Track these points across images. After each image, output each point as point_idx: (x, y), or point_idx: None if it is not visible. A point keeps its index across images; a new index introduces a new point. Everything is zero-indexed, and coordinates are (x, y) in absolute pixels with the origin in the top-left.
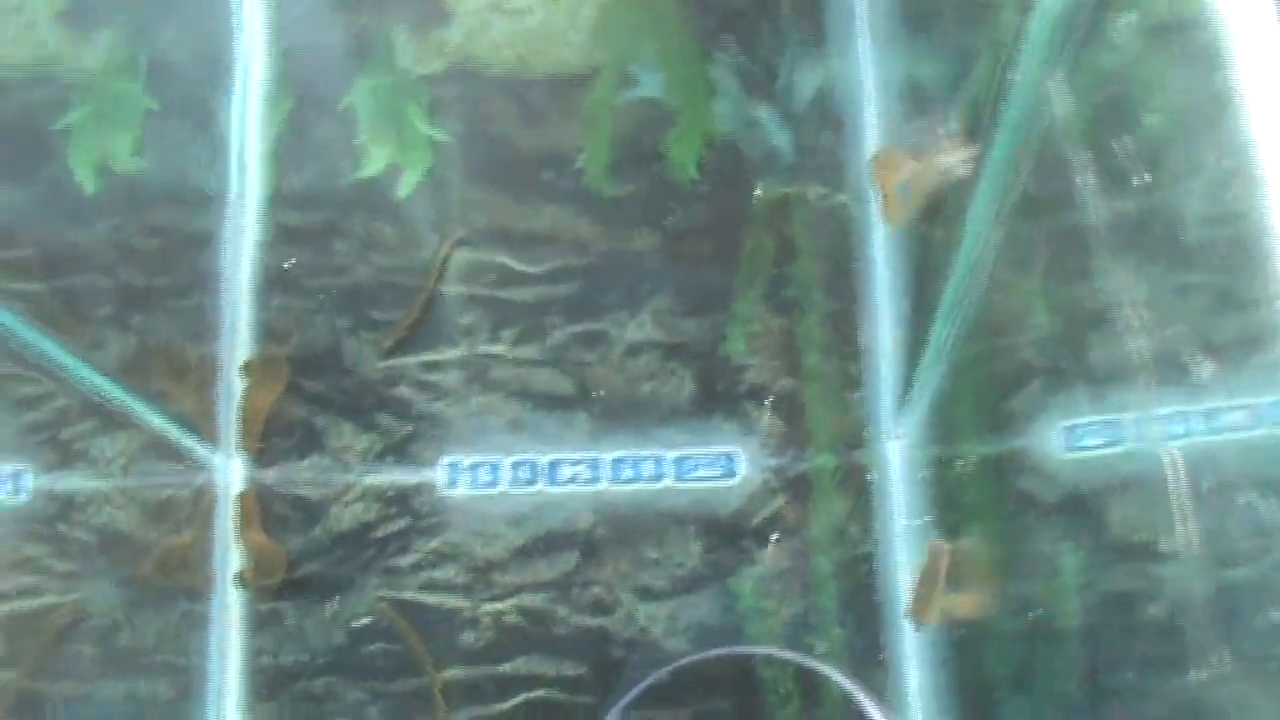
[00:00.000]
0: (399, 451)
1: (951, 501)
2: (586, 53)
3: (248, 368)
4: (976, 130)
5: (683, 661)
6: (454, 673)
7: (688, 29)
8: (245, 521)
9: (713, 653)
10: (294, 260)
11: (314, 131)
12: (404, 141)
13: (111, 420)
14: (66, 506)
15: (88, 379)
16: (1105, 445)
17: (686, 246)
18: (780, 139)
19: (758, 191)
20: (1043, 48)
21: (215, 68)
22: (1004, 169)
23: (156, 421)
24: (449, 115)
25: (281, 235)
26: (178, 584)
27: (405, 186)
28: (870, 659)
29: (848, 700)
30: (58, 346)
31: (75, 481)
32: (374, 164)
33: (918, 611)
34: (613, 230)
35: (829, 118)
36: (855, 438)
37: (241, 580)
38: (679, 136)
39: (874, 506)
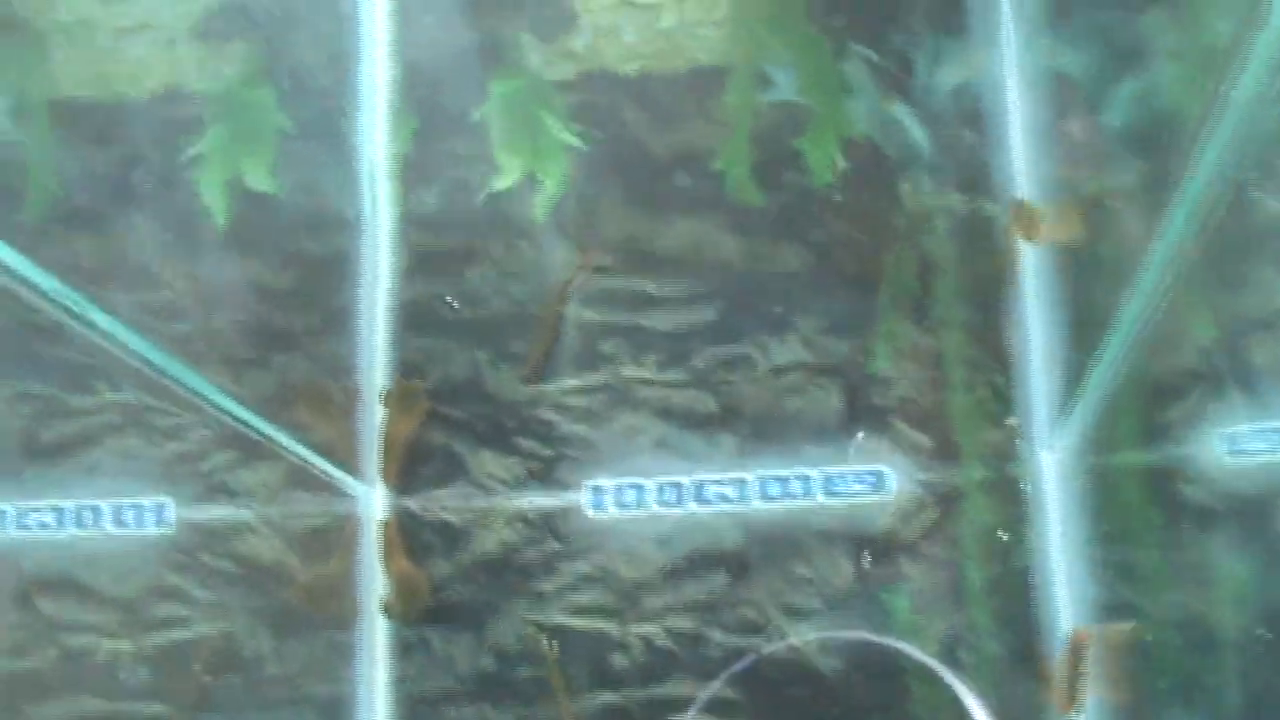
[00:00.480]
0: (542, 476)
1: (1110, 511)
2: (720, 51)
3: (387, 397)
4: (1162, 140)
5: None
6: (605, 697)
7: (819, 23)
8: (388, 549)
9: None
10: (451, 299)
11: (444, 146)
12: (539, 149)
13: (253, 452)
14: (210, 536)
15: (232, 413)
16: (1269, 451)
17: (829, 263)
18: (919, 137)
19: (899, 200)
20: (1270, 67)
21: (344, 84)
22: (1211, 186)
23: (300, 452)
24: (581, 121)
25: (416, 261)
26: (325, 613)
27: (542, 203)
28: (1028, 672)
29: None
30: (203, 381)
31: (218, 512)
32: (508, 175)
33: (1062, 702)
34: (752, 244)
35: (970, 115)
36: (1006, 450)
37: (387, 608)
38: (814, 138)
39: (1028, 518)
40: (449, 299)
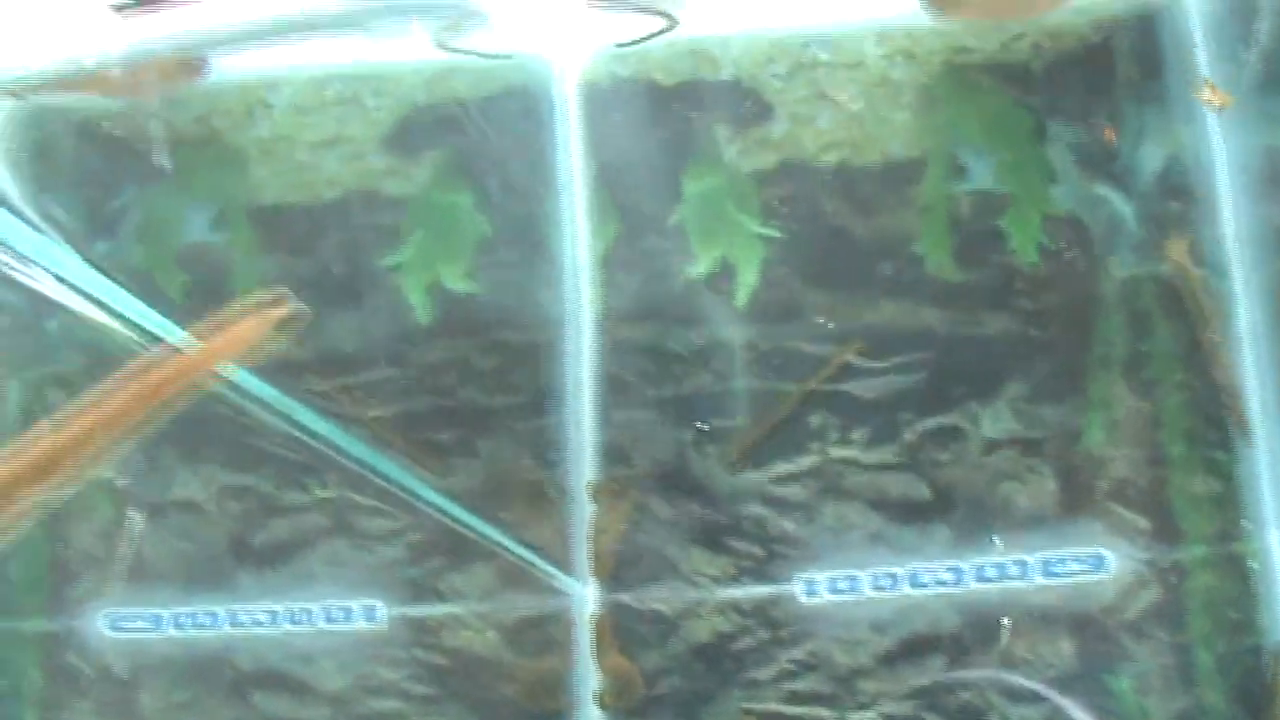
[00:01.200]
0: (754, 573)
1: None
2: (913, 140)
3: (595, 492)
4: None
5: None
6: None
7: (1016, 109)
8: (601, 644)
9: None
10: (701, 424)
11: (643, 240)
12: (734, 241)
13: (463, 555)
14: (422, 631)
15: (441, 506)
16: None
17: (1036, 329)
18: (1125, 212)
19: (1107, 271)
20: None
21: (541, 186)
22: None
23: (510, 547)
24: (778, 211)
25: (618, 349)
26: (541, 708)
27: (741, 288)
28: None
29: None
30: (412, 476)
31: (429, 610)
32: (705, 264)
33: None
34: (957, 317)
35: (1178, 190)
36: (1231, 526)
37: (601, 701)
38: (1016, 220)
39: (1258, 596)
40: (699, 424)
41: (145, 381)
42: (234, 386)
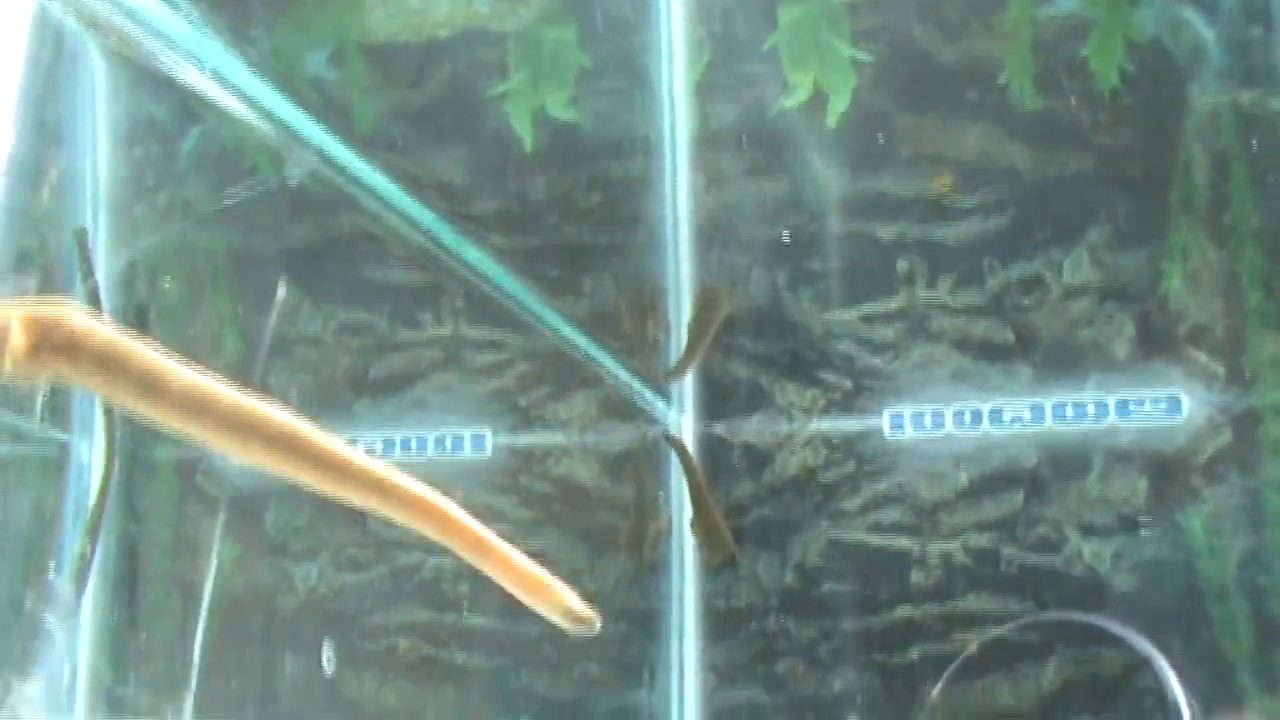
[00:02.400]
0: (843, 406)
1: None
2: None
3: (696, 297)
4: None
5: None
6: (903, 611)
7: None
8: (690, 471)
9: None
10: (786, 232)
11: (738, 70)
12: (827, 67)
13: (566, 386)
14: (528, 460)
15: (559, 328)
16: None
17: (1117, 169)
18: (1208, 37)
19: (1188, 99)
20: None
21: (639, 16)
22: None
23: (617, 374)
24: (870, 38)
25: (713, 180)
26: (640, 533)
27: (832, 114)
28: None
29: None
30: (532, 296)
31: (535, 439)
32: (799, 92)
33: None
34: (1041, 153)
35: (1258, 13)
36: None
37: (694, 528)
38: (1098, 45)
39: None
40: (783, 233)
41: None
42: (374, 193)
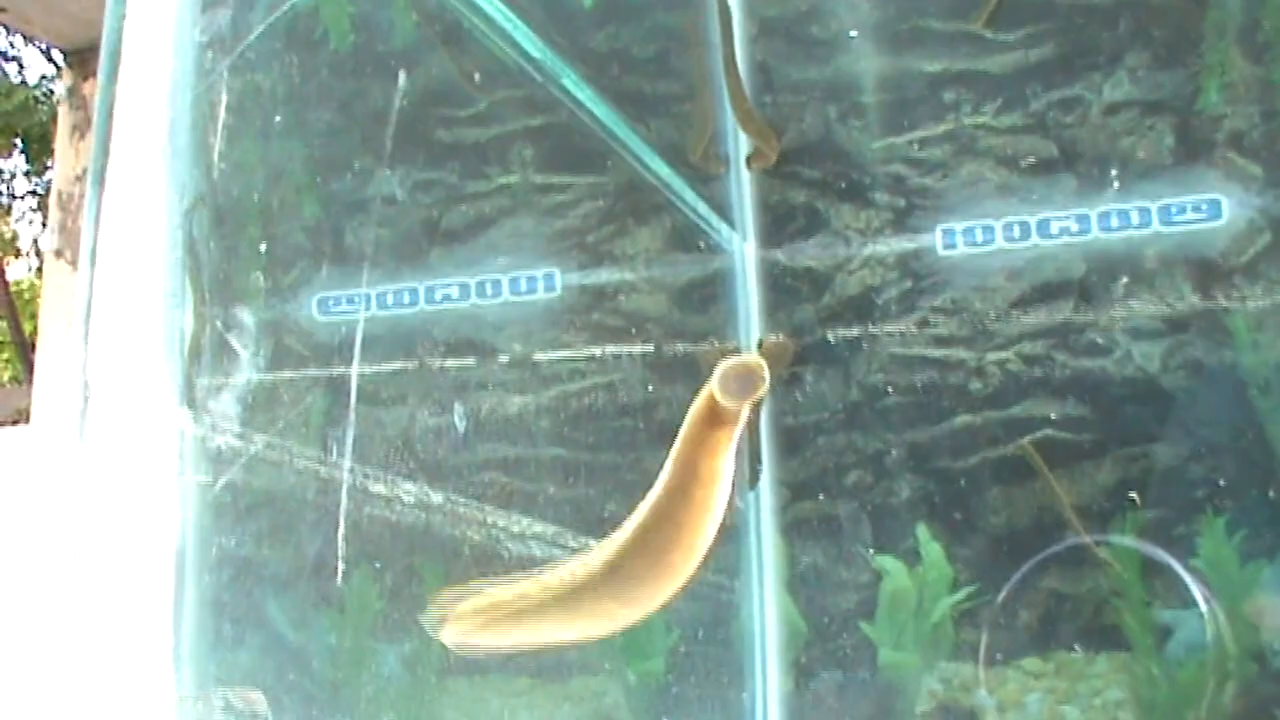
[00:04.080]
0: (896, 225)
1: None
2: None
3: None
4: None
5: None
6: (963, 419)
7: None
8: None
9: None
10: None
11: None
12: None
13: (631, 223)
14: (597, 296)
15: (642, 155)
16: None
17: None
18: None
19: None
20: None
21: None
22: None
23: (686, 200)
24: None
25: (763, 29)
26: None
27: None
28: None
29: None
30: (622, 124)
31: (603, 276)
32: None
33: None
34: None
35: None
36: None
37: (761, 347)
38: None
39: None
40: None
41: None
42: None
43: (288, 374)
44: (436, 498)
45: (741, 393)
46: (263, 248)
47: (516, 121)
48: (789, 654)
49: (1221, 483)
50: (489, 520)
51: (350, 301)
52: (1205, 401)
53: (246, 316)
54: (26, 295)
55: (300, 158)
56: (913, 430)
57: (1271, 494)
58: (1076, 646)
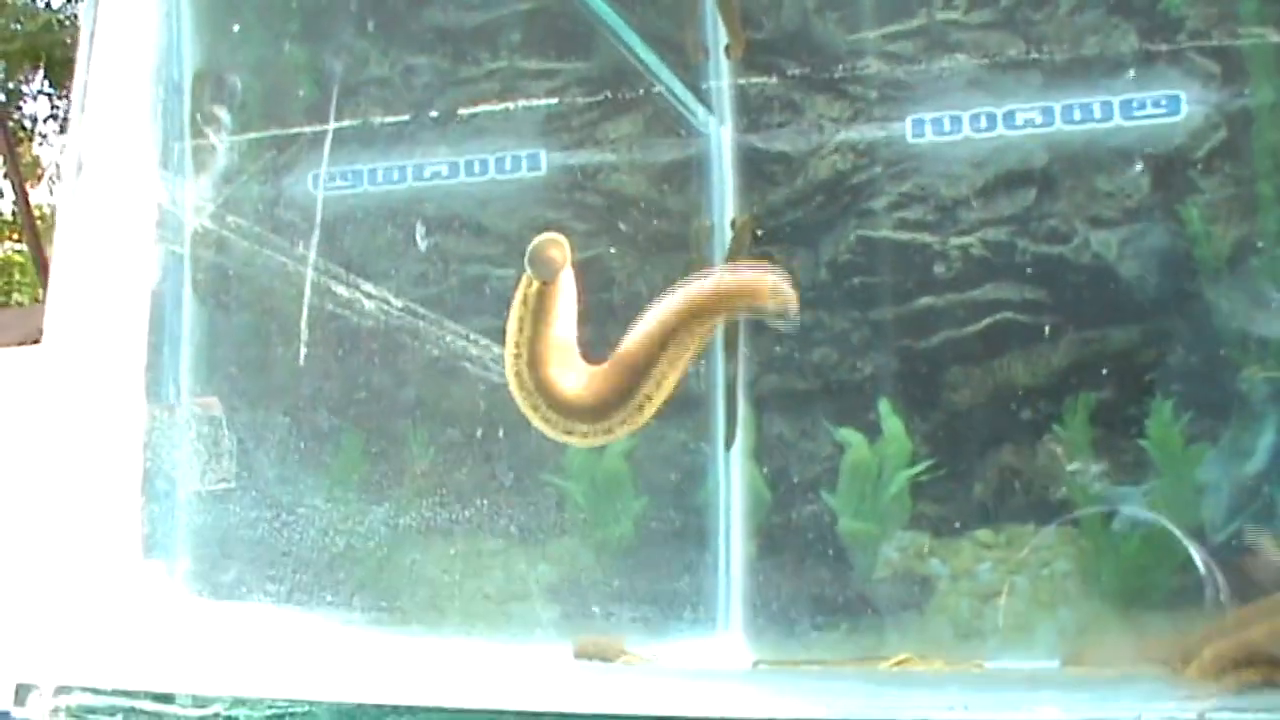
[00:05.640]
0: (868, 114)
1: None
2: None
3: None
4: None
5: None
6: (927, 300)
7: None
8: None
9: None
10: None
11: None
12: None
13: (614, 107)
14: (581, 177)
15: (627, 42)
16: None
17: None
18: None
19: None
20: None
21: None
22: None
23: (669, 84)
24: None
25: None
26: (683, 238)
27: None
28: None
29: None
30: (609, 10)
31: (585, 157)
32: None
33: None
34: None
35: None
36: None
37: (734, 225)
38: None
39: None
40: None
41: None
42: None
43: (284, 244)
44: (418, 363)
45: (546, 271)
46: (264, 125)
47: (506, 7)
48: (753, 520)
49: (1170, 367)
50: (475, 384)
51: (344, 178)
52: (1158, 289)
53: (246, 192)
54: (50, 220)
55: (298, 38)
56: (877, 310)
57: (1217, 379)
58: (1027, 520)
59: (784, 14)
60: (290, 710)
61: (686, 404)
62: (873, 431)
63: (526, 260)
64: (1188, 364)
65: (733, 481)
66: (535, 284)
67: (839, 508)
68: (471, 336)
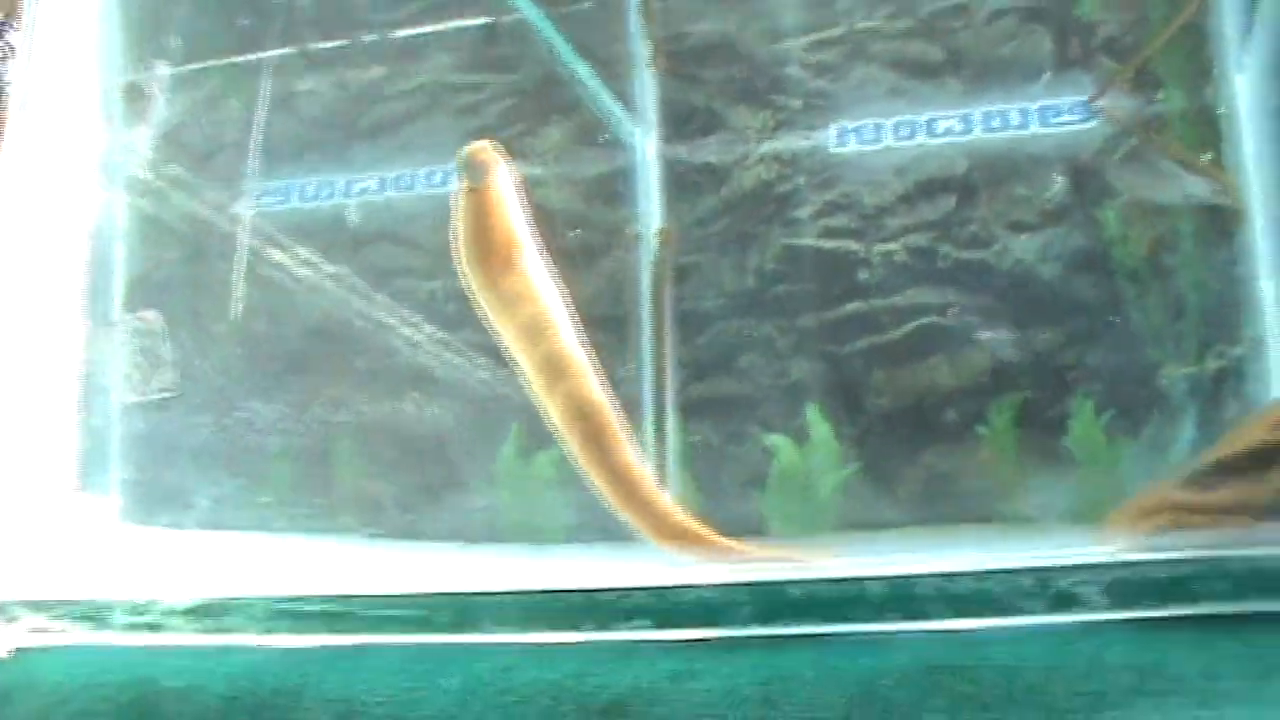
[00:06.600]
0: (792, 123)
1: None
2: None
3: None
4: None
5: None
6: (852, 306)
7: None
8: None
9: None
10: None
11: None
12: None
13: (540, 120)
14: None
15: (559, 50)
16: None
17: None
18: None
19: None
20: None
21: None
22: None
23: (598, 95)
24: None
25: None
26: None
27: None
28: (1227, 274)
29: None
30: (541, 21)
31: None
32: None
33: None
34: None
35: None
36: (1203, 76)
37: (661, 235)
38: None
39: (1225, 139)
40: None
41: None
42: None
43: (214, 260)
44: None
45: (479, 175)
46: (191, 138)
47: (435, 21)
48: None
49: (1091, 367)
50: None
51: (271, 194)
52: (1078, 291)
53: (172, 207)
54: None
55: (230, 50)
56: (804, 316)
57: (1137, 378)
58: (955, 520)
59: (708, 25)
60: (229, 605)
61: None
62: (801, 436)
63: (458, 167)
64: (1108, 363)
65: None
66: (470, 190)
67: (768, 512)
68: (401, 346)
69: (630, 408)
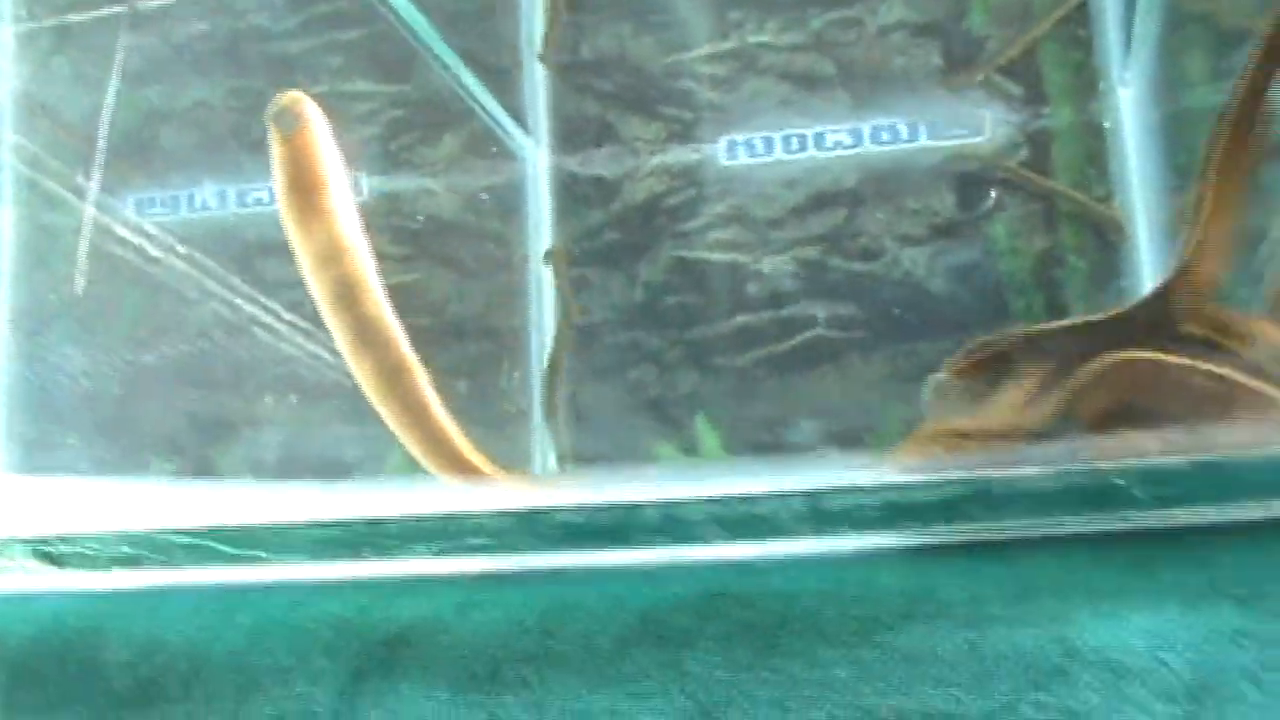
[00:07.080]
0: (683, 136)
1: (1186, 147)
2: None
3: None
4: None
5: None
6: (742, 318)
7: None
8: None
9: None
10: None
11: None
12: None
13: (432, 130)
14: (398, 200)
15: (445, 60)
16: None
17: None
18: None
19: None
20: None
21: None
22: None
23: (487, 105)
24: None
25: None
26: (500, 262)
27: None
28: (1107, 284)
29: None
30: (431, 31)
31: (404, 182)
32: None
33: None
34: None
35: None
36: (1089, 91)
37: (549, 257)
38: None
39: (1110, 153)
40: None
41: None
42: None
43: (106, 270)
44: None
45: (290, 124)
46: (81, 149)
47: (327, 35)
48: None
49: None
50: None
51: (162, 204)
52: (967, 302)
53: (63, 216)
54: None
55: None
56: (694, 329)
57: None
58: None
59: (600, 36)
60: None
61: (504, 421)
62: (690, 447)
63: (268, 117)
64: None
65: None
66: (282, 140)
67: None
68: (297, 355)
69: (519, 419)
